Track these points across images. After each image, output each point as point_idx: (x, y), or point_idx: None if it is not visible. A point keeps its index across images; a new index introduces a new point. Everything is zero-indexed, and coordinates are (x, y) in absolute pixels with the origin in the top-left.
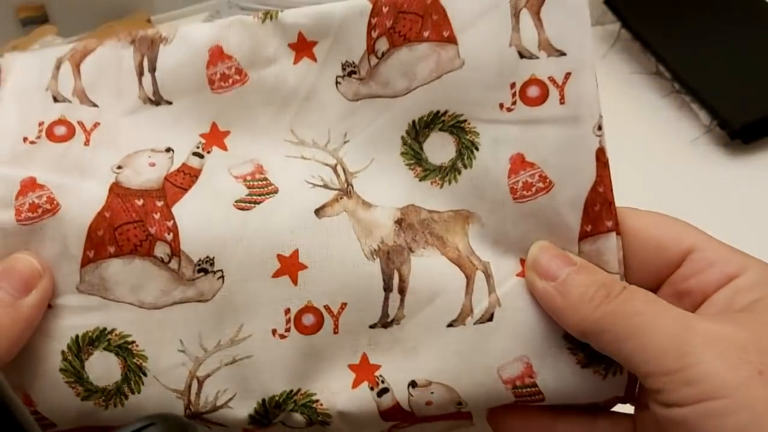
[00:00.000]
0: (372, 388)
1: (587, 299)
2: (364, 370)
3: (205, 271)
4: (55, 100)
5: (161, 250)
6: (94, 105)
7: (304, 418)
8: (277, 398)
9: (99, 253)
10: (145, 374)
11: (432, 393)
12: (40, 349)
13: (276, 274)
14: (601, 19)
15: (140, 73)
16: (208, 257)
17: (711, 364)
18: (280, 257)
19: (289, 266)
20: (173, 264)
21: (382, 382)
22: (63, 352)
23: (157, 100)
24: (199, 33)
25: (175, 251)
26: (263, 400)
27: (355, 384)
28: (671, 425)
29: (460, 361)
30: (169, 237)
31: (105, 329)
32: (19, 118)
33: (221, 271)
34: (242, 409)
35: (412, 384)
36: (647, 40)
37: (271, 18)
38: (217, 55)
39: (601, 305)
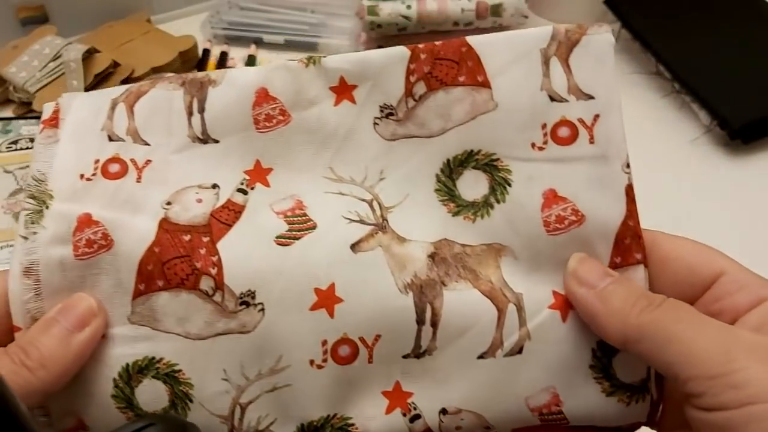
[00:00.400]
0: (404, 415)
1: (629, 305)
2: (397, 397)
3: (247, 304)
4: (110, 139)
5: (206, 283)
6: (146, 144)
7: None
8: (315, 423)
9: (149, 287)
10: (191, 401)
11: (462, 419)
12: (93, 376)
13: (313, 307)
14: (601, 19)
15: (190, 113)
16: (249, 291)
17: (755, 369)
18: (317, 291)
19: (326, 299)
20: (217, 297)
21: (414, 408)
22: (114, 380)
23: (205, 138)
24: (247, 76)
25: (219, 285)
26: (302, 425)
27: (389, 410)
28: (712, 429)
29: (489, 391)
30: (214, 271)
31: (153, 358)
32: (77, 157)
33: (262, 304)
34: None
35: (443, 411)
36: (647, 40)
37: (314, 63)
38: (262, 96)
39: (643, 312)
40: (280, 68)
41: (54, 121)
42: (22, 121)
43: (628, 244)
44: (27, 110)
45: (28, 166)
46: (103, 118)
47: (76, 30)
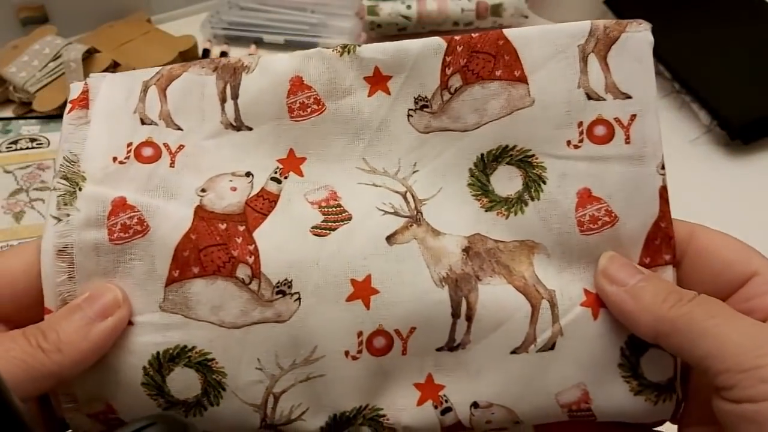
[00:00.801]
0: (436, 407)
1: (660, 300)
2: (429, 390)
3: (283, 293)
4: (143, 122)
5: (243, 271)
6: (179, 128)
7: (371, 431)
8: (347, 413)
9: (184, 273)
10: (224, 389)
11: (492, 413)
12: (122, 364)
13: (350, 298)
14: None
15: (223, 100)
16: (286, 280)
17: None
18: (353, 282)
19: (362, 291)
20: (253, 285)
21: (446, 401)
22: (144, 368)
23: (238, 125)
24: (281, 63)
25: (256, 273)
26: (334, 415)
27: (420, 402)
28: (740, 421)
29: (520, 386)
30: (251, 260)
31: (186, 347)
32: (109, 139)
33: (298, 293)
34: (314, 422)
35: (474, 405)
36: None
37: (349, 52)
38: (297, 85)
39: (675, 307)
40: (314, 56)
41: (83, 102)
42: (22, 121)
43: (658, 245)
44: (27, 110)
45: (28, 166)
46: (135, 101)
47: (76, 30)
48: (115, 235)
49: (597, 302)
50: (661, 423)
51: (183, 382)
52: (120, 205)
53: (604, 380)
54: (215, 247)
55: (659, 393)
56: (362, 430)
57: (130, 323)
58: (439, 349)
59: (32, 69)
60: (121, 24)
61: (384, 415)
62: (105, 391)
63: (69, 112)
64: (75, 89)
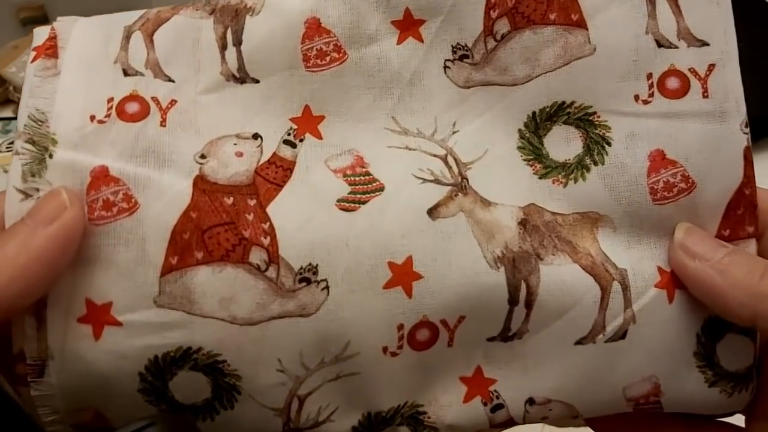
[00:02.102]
0: (485, 403)
1: (757, 276)
2: (477, 384)
3: (308, 281)
4: (126, 73)
5: (257, 256)
6: (170, 80)
7: (410, 430)
8: (383, 413)
9: (184, 260)
10: (239, 392)
11: (550, 410)
12: (112, 371)
13: (387, 285)
14: None
15: (223, 47)
16: (310, 265)
17: None
18: (391, 265)
19: (402, 276)
20: (271, 272)
21: (497, 397)
22: (141, 374)
23: (242, 77)
24: (293, 2)
25: (273, 257)
26: (368, 413)
27: (467, 398)
28: None
29: (584, 380)
30: (266, 241)
31: (190, 348)
32: (85, 94)
33: (326, 281)
34: (345, 422)
35: (530, 401)
36: None
37: None
38: (314, 28)
39: None
40: None
41: (51, 50)
42: None
43: (741, 215)
44: None
45: None
46: (116, 48)
47: None
48: (96, 213)
49: (672, 282)
50: (731, 415)
51: (189, 386)
52: (101, 177)
53: (677, 371)
54: (222, 226)
55: (735, 383)
56: (400, 431)
57: (118, 323)
58: (490, 339)
59: None
60: None
61: (425, 413)
62: (93, 401)
63: (32, 62)
64: (39, 35)
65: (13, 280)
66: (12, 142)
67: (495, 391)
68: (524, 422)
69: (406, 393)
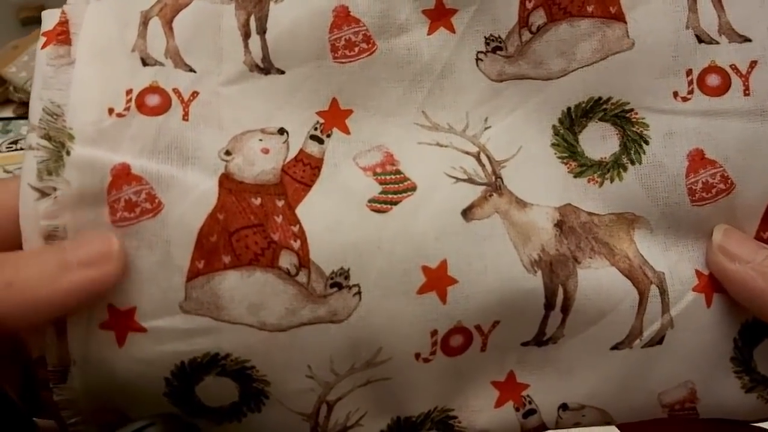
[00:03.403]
0: (518, 409)
1: None
2: (509, 389)
3: (339, 286)
4: (144, 63)
5: (287, 260)
6: (191, 70)
7: None
8: (413, 419)
9: (211, 264)
10: (267, 397)
11: (583, 416)
12: (138, 378)
13: (421, 290)
14: None
15: (246, 35)
16: (342, 269)
17: None
18: (425, 269)
19: (437, 280)
20: (301, 277)
21: (530, 402)
22: (167, 379)
23: (266, 67)
24: None
25: (304, 262)
26: (398, 418)
27: (499, 403)
28: None
29: (619, 386)
30: (296, 245)
31: (218, 354)
32: (102, 85)
33: (358, 286)
34: (374, 426)
35: (563, 407)
36: None
37: None
38: (342, 16)
39: None
40: None
41: (63, 36)
42: (22, 121)
43: None
44: (27, 110)
45: None
46: (133, 36)
47: None
48: (118, 215)
49: (710, 286)
50: (765, 420)
51: (216, 391)
52: (123, 176)
53: (714, 377)
54: (250, 229)
55: None
56: None
57: (143, 329)
58: (524, 344)
59: (32, 69)
60: None
61: (455, 417)
62: (117, 403)
63: (44, 47)
64: (49, 19)
65: (23, 311)
66: (12, 142)
67: (528, 396)
68: (556, 428)
69: (437, 398)
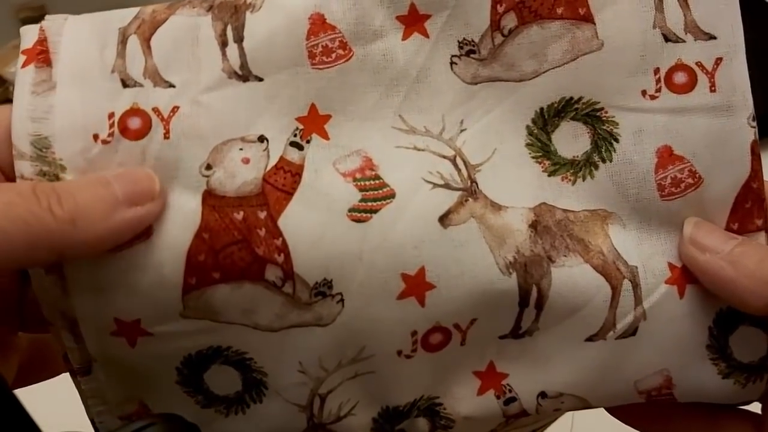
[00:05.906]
0: (498, 397)
1: None
2: (490, 378)
3: (323, 295)
4: (124, 84)
5: (272, 273)
6: (171, 85)
7: (428, 421)
8: (401, 408)
9: (203, 280)
10: (266, 387)
11: (562, 403)
12: (151, 371)
13: (401, 296)
14: None
15: (223, 44)
16: (325, 280)
17: None
18: (404, 276)
19: (415, 287)
20: (287, 288)
21: (510, 391)
22: (178, 368)
23: (245, 74)
24: None
25: (288, 274)
26: (387, 407)
27: (481, 391)
28: None
29: (595, 375)
30: (280, 258)
31: (220, 347)
32: (84, 109)
33: (340, 294)
34: (365, 415)
35: (542, 394)
36: None
37: None
38: (318, 24)
39: None
40: None
41: (42, 55)
42: None
43: (749, 209)
44: None
45: None
46: (113, 56)
47: None
48: None
49: (683, 278)
50: (746, 404)
51: (222, 378)
52: None
53: (689, 364)
54: (235, 245)
55: (749, 374)
56: (418, 423)
57: (150, 334)
58: (502, 337)
59: None
60: None
61: (441, 404)
62: (138, 392)
63: (23, 66)
64: (28, 36)
65: (85, 245)
66: None
67: (508, 385)
68: (536, 412)
69: (422, 388)
